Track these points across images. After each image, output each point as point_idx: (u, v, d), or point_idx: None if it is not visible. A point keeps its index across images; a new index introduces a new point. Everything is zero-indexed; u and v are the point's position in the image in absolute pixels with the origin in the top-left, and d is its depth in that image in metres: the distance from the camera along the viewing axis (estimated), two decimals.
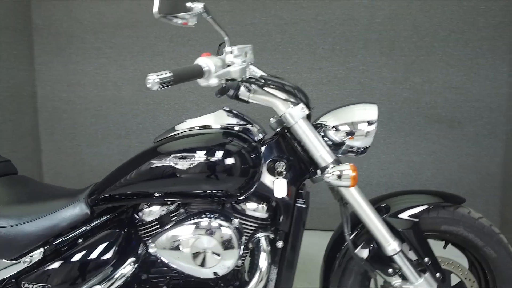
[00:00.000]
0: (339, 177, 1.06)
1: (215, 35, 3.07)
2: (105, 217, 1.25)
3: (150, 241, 1.16)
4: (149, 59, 2.97)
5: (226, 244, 1.11)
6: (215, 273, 1.15)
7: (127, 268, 1.20)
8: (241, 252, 1.15)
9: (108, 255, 1.21)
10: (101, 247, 1.22)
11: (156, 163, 1.14)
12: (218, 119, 1.24)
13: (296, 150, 1.22)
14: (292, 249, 1.21)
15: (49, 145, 3.12)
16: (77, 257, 1.21)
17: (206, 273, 1.14)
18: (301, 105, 1.15)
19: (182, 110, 2.99)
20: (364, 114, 1.20)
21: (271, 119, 1.27)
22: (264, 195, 1.20)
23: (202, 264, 1.11)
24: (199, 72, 1.06)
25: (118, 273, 1.20)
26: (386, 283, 1.24)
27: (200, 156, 1.12)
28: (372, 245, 1.20)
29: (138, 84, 2.99)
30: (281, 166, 1.17)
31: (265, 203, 1.21)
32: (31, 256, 1.20)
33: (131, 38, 2.96)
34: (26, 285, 1.20)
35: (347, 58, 2.79)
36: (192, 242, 1.11)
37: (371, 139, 1.19)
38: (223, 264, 1.12)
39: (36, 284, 1.19)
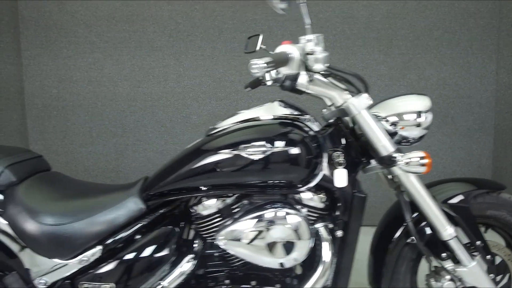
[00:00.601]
0: (412, 164, 1.10)
1: (216, 31, 3.05)
2: (159, 212, 1.21)
3: (216, 233, 1.14)
4: (147, 54, 2.88)
5: (300, 234, 1.11)
6: (281, 264, 1.15)
7: (187, 265, 1.17)
8: (312, 243, 1.15)
9: (167, 252, 1.18)
10: (159, 243, 1.18)
11: (222, 154, 1.12)
12: (273, 111, 1.23)
13: (350, 140, 1.24)
14: (351, 238, 1.23)
15: (38, 144, 2.94)
16: (135, 255, 1.17)
17: (274, 263, 1.13)
18: (366, 95, 1.18)
19: (182, 107, 2.93)
20: (415, 104, 1.25)
21: (323, 110, 1.28)
22: (322, 185, 1.21)
23: (274, 254, 1.10)
24: (286, 60, 1.05)
25: (177, 270, 1.17)
26: (438, 268, 1.29)
27: (268, 146, 1.11)
28: (425, 231, 1.25)
29: (136, 80, 2.90)
30: (340, 156, 1.19)
31: (322, 193, 1.23)
32: (89, 255, 1.14)
33: (128, 32, 2.86)
34: (85, 285, 1.13)
35: (347, 55, 2.86)
36: (265, 233, 1.10)
37: (424, 130, 1.24)
38: (295, 254, 1.12)
39: (94, 283, 1.13)
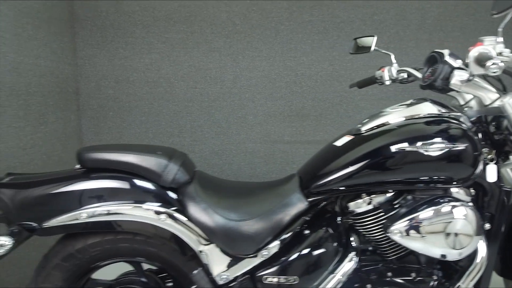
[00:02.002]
0: None
1: (272, 32, 3.09)
2: (319, 207, 1.25)
3: (387, 227, 1.17)
4: (204, 55, 2.89)
5: (475, 228, 1.15)
6: (442, 255, 1.19)
7: (352, 259, 1.21)
8: (481, 239, 1.20)
9: (335, 246, 1.22)
10: (327, 239, 1.22)
11: (398, 150, 1.15)
12: (428, 109, 1.27)
13: (494, 137, 1.30)
14: (498, 231, 1.29)
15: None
16: (310, 249, 1.21)
17: (435, 253, 1.17)
18: None
19: (238, 108, 2.95)
20: None
21: (466, 108, 1.33)
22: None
23: (447, 246, 1.15)
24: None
25: (345, 264, 1.21)
26: None
27: (446, 143, 1.15)
28: None
29: (192, 80, 2.90)
30: (491, 152, 1.24)
31: (471, 188, 1.28)
32: (268, 249, 1.17)
33: (185, 33, 2.86)
34: (269, 279, 1.16)
35: (401, 56, 2.93)
36: (442, 225, 1.14)
37: None
38: (467, 248, 1.16)
39: (278, 277, 1.16)
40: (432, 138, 1.15)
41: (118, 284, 1.26)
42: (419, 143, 1.15)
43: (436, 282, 1.27)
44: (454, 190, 1.26)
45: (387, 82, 1.57)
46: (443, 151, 1.15)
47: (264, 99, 2.96)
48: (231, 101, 2.95)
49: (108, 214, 1.10)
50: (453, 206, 1.15)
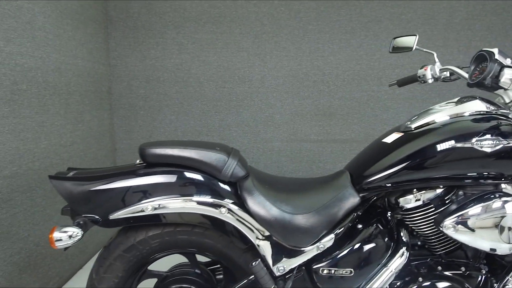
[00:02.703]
0: None
1: (300, 32, 3.12)
2: (370, 202, 1.28)
3: (440, 222, 1.20)
4: (233, 55, 2.94)
5: None
6: (492, 249, 1.22)
7: (403, 254, 1.24)
8: None
9: (385, 242, 1.25)
10: (378, 233, 1.25)
11: (452, 147, 1.18)
12: (476, 107, 1.29)
13: None
14: None
15: (124, 143, 2.98)
16: (359, 243, 1.24)
17: (486, 247, 1.19)
18: None
19: (266, 107, 2.99)
20: None
21: (510, 104, 1.35)
22: None
23: (504, 241, 1.17)
24: None
25: (394, 260, 1.23)
26: None
27: (501, 140, 1.17)
28: None
29: (221, 80, 2.95)
30: None
31: None
32: (324, 242, 1.20)
33: (215, 34, 2.91)
34: (325, 271, 1.20)
35: (428, 55, 2.95)
36: (495, 220, 1.17)
37: None
38: None
39: (334, 269, 1.20)
40: (485, 135, 1.18)
41: (173, 276, 1.31)
42: (473, 140, 1.18)
43: (484, 277, 1.29)
44: (504, 186, 1.27)
45: (430, 81, 1.59)
46: (497, 147, 1.17)
47: (291, 98, 3.00)
48: (258, 100, 2.99)
49: (172, 207, 1.15)
50: (505, 202, 1.17)
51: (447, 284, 1.25)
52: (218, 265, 1.42)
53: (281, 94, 2.99)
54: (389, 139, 1.32)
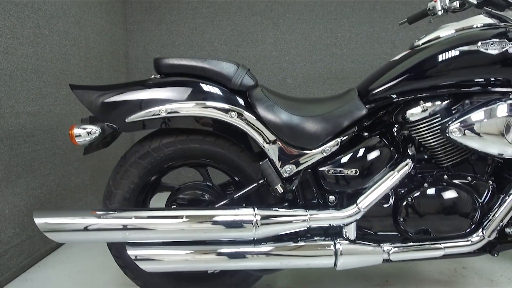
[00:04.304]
0: None
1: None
2: (377, 115, 1.31)
3: (447, 128, 1.22)
4: (246, 19, 2.99)
5: None
6: (500, 154, 1.22)
7: (407, 165, 1.26)
8: None
9: (390, 150, 1.27)
10: (383, 141, 1.28)
11: (456, 52, 1.19)
12: (483, 21, 1.30)
13: None
14: None
15: None
16: (365, 148, 1.27)
17: (493, 151, 1.20)
18: None
19: (278, 70, 3.03)
20: None
21: None
22: None
23: (509, 141, 1.18)
24: None
25: (399, 168, 1.25)
26: None
27: (506, 41, 1.18)
28: None
29: (235, 44, 3.00)
30: None
31: None
32: (330, 146, 1.24)
33: None
34: (331, 171, 1.24)
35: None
36: (502, 121, 1.17)
37: None
38: None
39: (339, 169, 1.23)
40: (491, 38, 1.19)
41: (186, 189, 1.36)
42: (479, 43, 1.19)
43: (491, 191, 1.30)
44: None
45: (440, 13, 1.59)
46: (503, 50, 1.18)
47: (303, 61, 3.02)
48: (271, 64, 3.03)
49: (184, 111, 1.20)
50: (511, 104, 1.18)
51: (453, 190, 1.26)
52: (231, 186, 1.46)
53: (293, 58, 3.03)
54: (397, 57, 1.35)
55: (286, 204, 1.27)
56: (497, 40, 1.19)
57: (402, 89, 1.25)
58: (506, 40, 1.19)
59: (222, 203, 1.26)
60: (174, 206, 1.30)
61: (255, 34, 3.00)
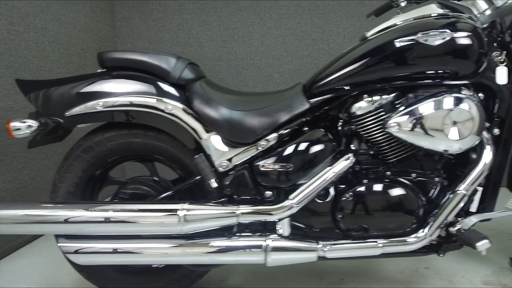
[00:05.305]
0: None
1: None
2: (321, 110, 1.28)
3: (385, 123, 1.18)
4: (233, 14, 2.98)
5: (474, 119, 1.13)
6: (445, 150, 1.18)
7: (346, 161, 1.23)
8: (479, 140, 1.19)
9: (328, 144, 1.25)
10: (322, 137, 1.26)
11: (396, 44, 1.16)
12: (434, 11, 1.25)
13: (504, 42, 1.26)
14: (507, 136, 1.25)
15: None
16: (303, 143, 1.25)
17: (435, 147, 1.16)
18: None
19: (265, 66, 3.01)
20: None
21: (477, 15, 1.29)
22: (482, 82, 1.23)
23: (444, 137, 1.14)
24: None
25: (339, 163, 1.23)
26: None
27: (447, 32, 1.14)
28: None
29: (221, 40, 3.00)
30: (502, 54, 1.20)
31: (481, 93, 1.25)
32: (266, 141, 1.22)
33: None
34: (265, 166, 1.22)
35: None
36: (440, 115, 1.13)
37: None
38: (464, 140, 1.14)
39: (274, 164, 1.22)
40: (433, 29, 1.14)
41: (133, 183, 1.37)
42: (419, 34, 1.15)
43: (437, 186, 1.26)
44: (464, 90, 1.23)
45: (403, 4, 1.54)
46: (444, 40, 1.13)
47: (290, 57, 2.99)
48: (258, 59, 3.01)
49: (121, 105, 1.21)
50: (457, 98, 1.13)
51: (393, 187, 1.23)
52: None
53: (280, 53, 3.00)
54: (347, 49, 1.32)
55: (226, 199, 1.26)
56: (438, 31, 1.14)
57: (348, 81, 1.22)
58: (448, 30, 1.14)
59: (161, 196, 1.27)
60: (116, 200, 1.31)
61: (242, 29, 2.99)
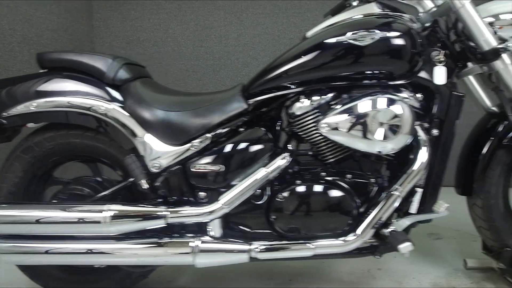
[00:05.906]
0: None
1: None
2: (260, 111, 1.27)
3: (317, 123, 1.17)
4: (209, 13, 2.97)
5: (403, 120, 1.12)
6: (379, 151, 1.17)
7: (283, 161, 1.22)
8: (410, 139, 1.18)
9: (266, 145, 1.24)
10: (259, 137, 1.25)
11: (327, 44, 1.15)
12: (372, 10, 1.24)
13: (447, 42, 1.24)
14: (446, 137, 1.23)
15: None
16: (239, 145, 1.24)
17: (373, 148, 1.15)
18: None
19: (242, 66, 3.00)
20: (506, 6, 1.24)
21: (419, 14, 1.28)
22: (420, 83, 1.21)
23: (374, 138, 1.13)
24: None
25: (276, 162, 1.22)
26: None
27: (377, 32, 1.12)
28: None
29: (198, 39, 3.00)
30: (440, 54, 1.19)
31: (420, 93, 1.23)
32: (198, 141, 1.22)
33: None
34: (197, 167, 1.22)
35: None
36: (369, 116, 1.12)
37: None
38: (395, 140, 1.13)
39: (205, 165, 1.21)
40: (363, 29, 1.13)
41: (76, 183, 1.37)
42: (348, 33, 1.14)
43: (374, 188, 1.24)
44: (408, 95, 1.21)
45: (355, 3, 1.53)
46: (374, 40, 1.12)
47: (267, 56, 2.98)
48: (235, 59, 3.00)
49: (57, 105, 1.22)
50: (386, 98, 1.12)
51: (326, 188, 1.21)
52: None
53: (257, 53, 2.99)
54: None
55: (161, 200, 1.25)
56: (368, 31, 1.13)
57: (278, 82, 1.22)
58: (377, 30, 1.13)
59: (96, 197, 1.27)
60: (54, 201, 1.32)
61: (219, 29, 2.98)
